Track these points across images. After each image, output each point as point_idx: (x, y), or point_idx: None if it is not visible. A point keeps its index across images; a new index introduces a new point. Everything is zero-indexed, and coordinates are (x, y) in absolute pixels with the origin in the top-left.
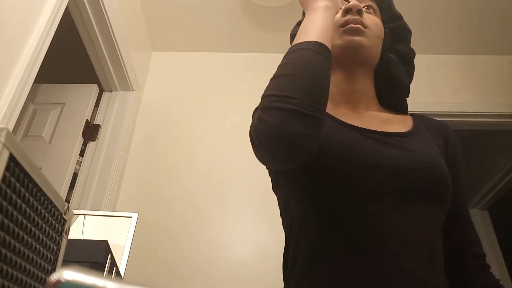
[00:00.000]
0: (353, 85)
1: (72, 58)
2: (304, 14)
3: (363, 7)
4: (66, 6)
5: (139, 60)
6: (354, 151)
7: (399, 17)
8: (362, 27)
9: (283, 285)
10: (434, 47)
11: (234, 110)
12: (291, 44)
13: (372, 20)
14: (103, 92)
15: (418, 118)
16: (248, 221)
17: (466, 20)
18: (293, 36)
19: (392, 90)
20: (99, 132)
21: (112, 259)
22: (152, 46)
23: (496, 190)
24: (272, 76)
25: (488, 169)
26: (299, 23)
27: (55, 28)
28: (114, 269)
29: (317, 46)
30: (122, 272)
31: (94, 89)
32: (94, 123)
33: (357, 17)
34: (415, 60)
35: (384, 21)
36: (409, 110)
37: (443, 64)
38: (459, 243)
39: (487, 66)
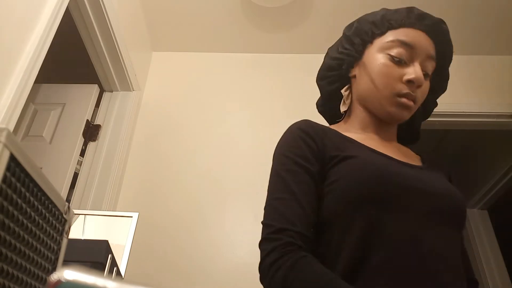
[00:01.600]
0: (387, 129)
1: (73, 58)
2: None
3: (425, 72)
4: (67, 7)
5: (140, 60)
6: (394, 175)
7: (446, 79)
8: (413, 104)
9: None
10: None
11: (234, 110)
12: (317, 82)
13: (423, 91)
14: (104, 92)
15: (425, 156)
16: (248, 221)
17: (465, 20)
18: (321, 77)
19: (405, 134)
20: (99, 132)
21: (113, 259)
22: (152, 46)
23: (496, 190)
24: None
25: (487, 169)
26: (329, 68)
27: (56, 28)
28: (115, 269)
29: None
30: (122, 272)
31: (94, 89)
32: (94, 123)
33: (415, 94)
34: None
35: (434, 75)
36: None
37: None
38: None
39: (487, 66)
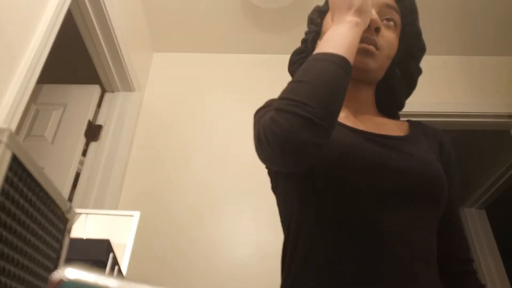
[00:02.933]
0: (356, 93)
1: (74, 59)
2: (309, 35)
3: (385, 19)
4: (68, 8)
5: (141, 61)
6: (354, 152)
7: (418, 34)
8: (374, 49)
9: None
10: (434, 48)
11: (235, 111)
12: (289, 69)
13: (387, 39)
14: (105, 93)
15: (414, 124)
16: (248, 221)
17: (465, 21)
18: (292, 62)
19: (387, 103)
20: (101, 132)
21: (114, 257)
22: (154, 47)
23: (494, 190)
24: (282, 80)
25: (485, 169)
26: (298, 52)
27: (57, 29)
28: (116, 267)
29: (341, 61)
30: (124, 270)
31: (96, 89)
32: (96, 123)
33: (373, 37)
34: None
35: (403, 35)
36: (408, 110)
37: (443, 65)
38: (447, 247)
39: (486, 67)
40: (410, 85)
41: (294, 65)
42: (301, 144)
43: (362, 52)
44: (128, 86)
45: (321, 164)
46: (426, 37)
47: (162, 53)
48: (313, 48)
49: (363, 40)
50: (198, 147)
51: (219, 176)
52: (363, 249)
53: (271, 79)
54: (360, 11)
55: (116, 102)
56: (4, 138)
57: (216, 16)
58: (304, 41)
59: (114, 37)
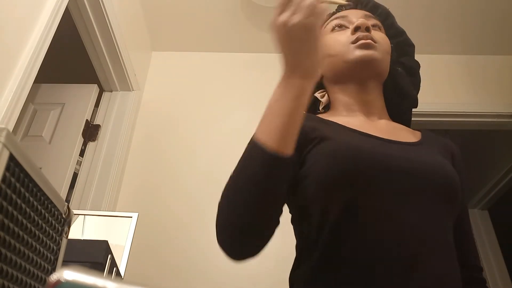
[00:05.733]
0: (366, 96)
1: (72, 58)
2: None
3: (370, 25)
4: (66, 6)
5: (139, 60)
6: (371, 155)
7: (402, 32)
8: (373, 42)
9: (283, 285)
10: (435, 47)
11: (234, 110)
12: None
13: (380, 36)
14: (103, 92)
15: (427, 133)
16: None
17: (467, 20)
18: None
19: (400, 102)
20: (99, 132)
21: (112, 259)
22: (152, 46)
23: (496, 190)
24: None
25: (488, 169)
26: None
27: (55, 28)
28: (114, 269)
29: (273, 161)
30: (122, 272)
31: (94, 89)
32: (94, 123)
33: (367, 33)
34: None
35: (389, 37)
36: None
37: (444, 64)
38: (457, 253)
39: (488, 66)
40: (414, 79)
41: None
42: (239, 258)
43: (363, 46)
44: (126, 86)
45: (338, 170)
46: (428, 36)
47: (161, 52)
48: None
49: (359, 38)
50: (198, 147)
51: (218, 176)
52: (384, 251)
53: (270, 77)
54: (307, 72)
55: (114, 101)
56: (2, 138)
57: (215, 14)
58: None
59: (112, 35)
